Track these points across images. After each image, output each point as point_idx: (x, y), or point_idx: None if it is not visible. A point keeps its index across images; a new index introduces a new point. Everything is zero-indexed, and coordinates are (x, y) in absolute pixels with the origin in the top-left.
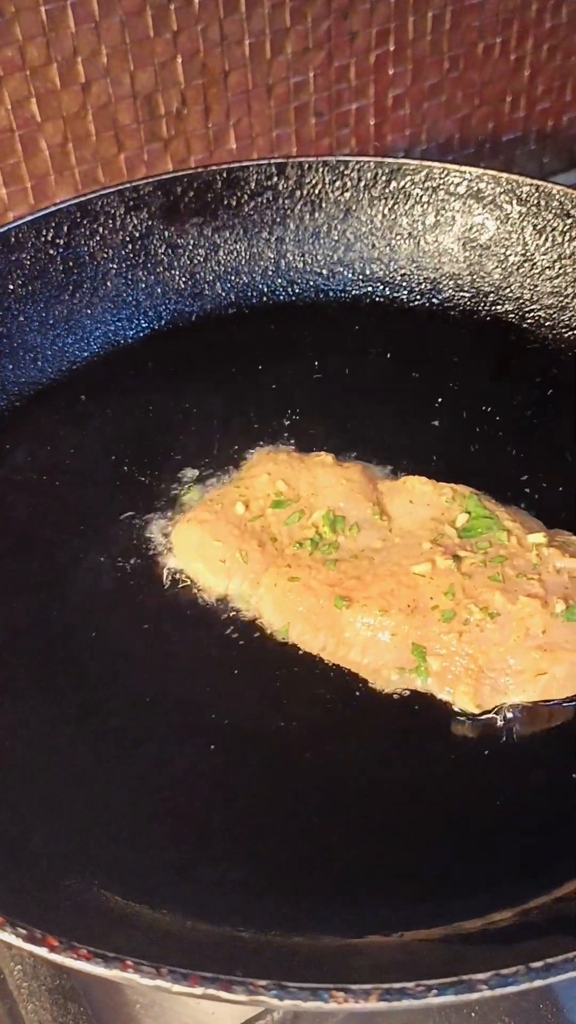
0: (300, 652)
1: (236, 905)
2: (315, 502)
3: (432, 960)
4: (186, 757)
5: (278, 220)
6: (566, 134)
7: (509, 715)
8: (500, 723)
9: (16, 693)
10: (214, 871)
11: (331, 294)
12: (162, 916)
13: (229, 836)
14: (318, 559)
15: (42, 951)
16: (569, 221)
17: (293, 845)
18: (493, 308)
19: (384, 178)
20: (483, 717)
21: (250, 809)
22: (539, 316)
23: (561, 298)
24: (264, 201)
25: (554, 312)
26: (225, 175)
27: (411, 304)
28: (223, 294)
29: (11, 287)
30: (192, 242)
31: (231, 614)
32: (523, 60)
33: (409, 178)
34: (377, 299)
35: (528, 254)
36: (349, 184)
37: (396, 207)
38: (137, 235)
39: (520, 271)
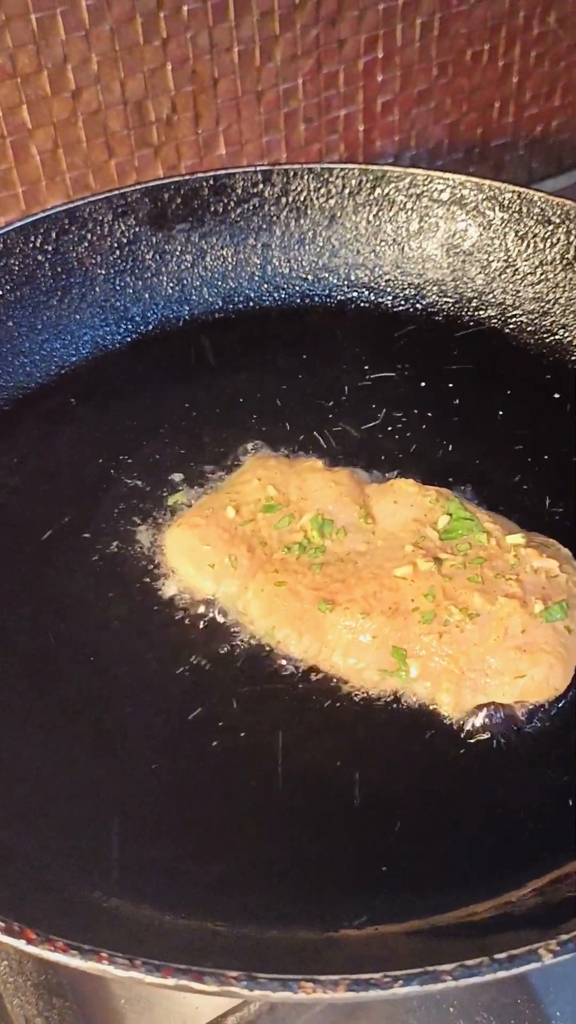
0: (285, 655)
1: (214, 900)
2: (304, 506)
3: (405, 953)
4: (167, 756)
5: (264, 226)
6: (555, 139)
7: (488, 716)
8: (479, 723)
9: (3, 693)
10: (193, 866)
11: (316, 299)
12: (141, 911)
13: (208, 832)
14: (305, 563)
15: (20, 943)
16: (550, 227)
17: (271, 841)
18: (476, 313)
19: (368, 185)
20: (462, 717)
21: (230, 805)
22: (521, 321)
23: (543, 304)
24: (250, 208)
25: (536, 317)
26: (212, 182)
27: (395, 309)
28: (210, 299)
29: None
30: (179, 248)
31: (218, 617)
32: (511, 66)
33: (393, 185)
34: (362, 304)
35: (510, 260)
36: (334, 191)
37: (380, 213)
38: (125, 241)
39: (502, 277)
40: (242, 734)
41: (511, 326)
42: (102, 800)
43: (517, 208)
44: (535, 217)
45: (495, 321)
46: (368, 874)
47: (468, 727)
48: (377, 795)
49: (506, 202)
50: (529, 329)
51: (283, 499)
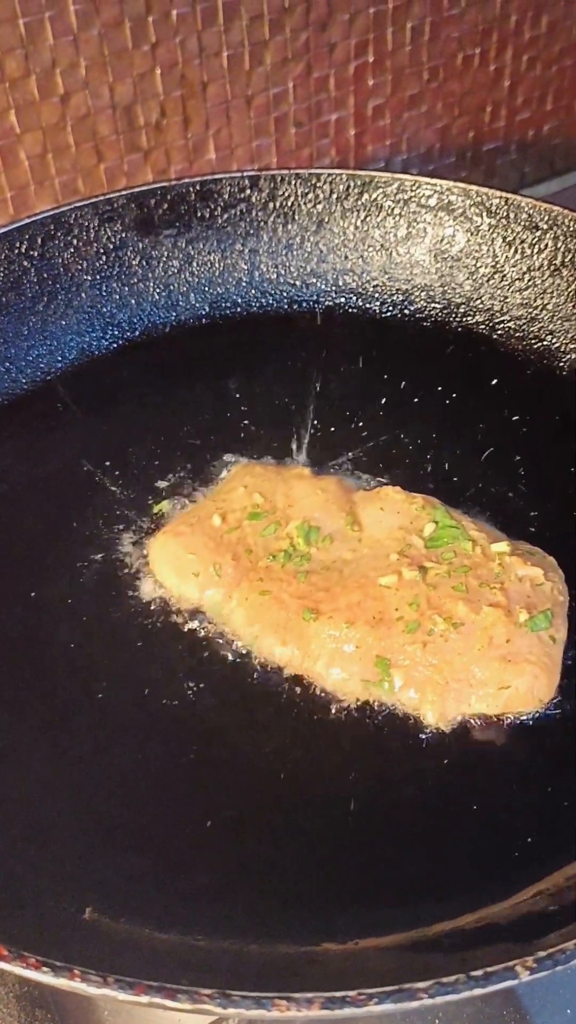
0: (269, 664)
1: (194, 913)
2: (291, 513)
3: (383, 968)
4: (149, 767)
5: (251, 232)
6: (546, 144)
7: (472, 726)
8: (463, 735)
9: None
10: (173, 880)
11: (304, 305)
12: (120, 924)
13: (186, 846)
14: (290, 571)
15: None
16: (537, 233)
17: (253, 853)
18: (464, 319)
19: (356, 190)
20: (447, 728)
21: (210, 817)
22: (509, 327)
23: (530, 309)
24: (237, 213)
25: (523, 323)
26: (199, 187)
27: (383, 315)
28: (197, 305)
29: None
30: (166, 254)
31: (203, 626)
32: (503, 70)
33: (381, 190)
34: (350, 310)
35: (498, 266)
36: (321, 196)
37: (368, 219)
38: (111, 247)
39: (490, 283)
40: (224, 744)
41: (499, 332)
42: (81, 813)
43: (504, 214)
44: (522, 223)
45: (483, 327)
46: (349, 887)
47: (452, 738)
48: (360, 807)
49: (493, 208)
50: (517, 335)
51: (269, 507)
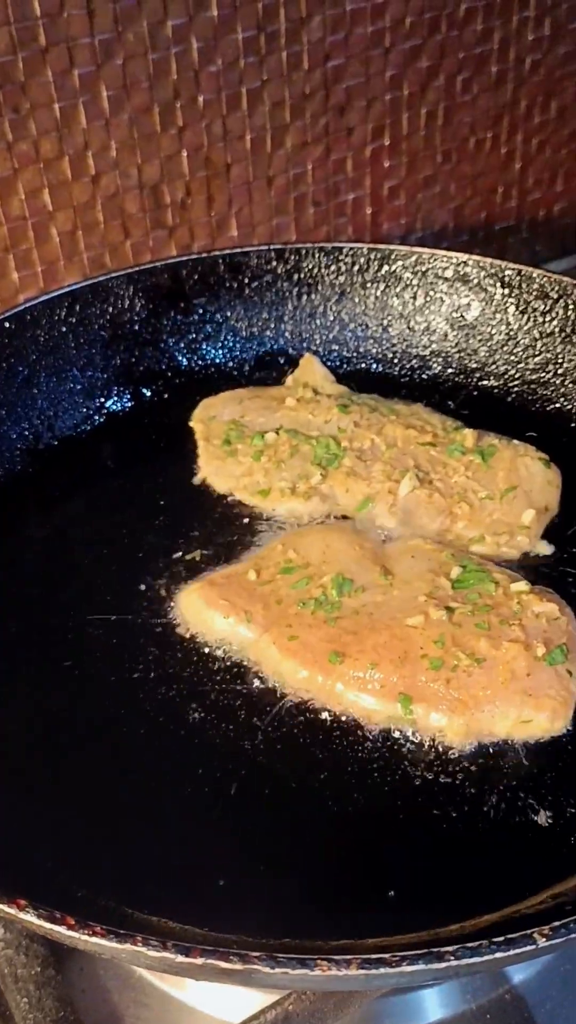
0: (294, 699)
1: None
2: (325, 568)
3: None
4: (179, 784)
5: (276, 301)
6: (557, 223)
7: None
8: (479, 755)
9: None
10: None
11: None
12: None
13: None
14: (320, 618)
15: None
16: (548, 302)
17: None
18: (479, 384)
19: (376, 262)
20: (467, 749)
21: (239, 830)
22: (522, 391)
23: (542, 374)
24: (264, 283)
25: (536, 387)
26: (228, 260)
27: (402, 379)
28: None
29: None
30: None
31: (228, 662)
32: (514, 153)
33: (400, 263)
34: (371, 375)
35: (511, 333)
36: (344, 268)
37: (388, 290)
38: (145, 315)
39: (504, 349)
40: (235, 769)
41: (512, 395)
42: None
43: (518, 284)
44: (534, 292)
45: (497, 391)
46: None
47: (471, 758)
48: (382, 824)
49: (507, 279)
50: (530, 398)
51: (302, 561)
